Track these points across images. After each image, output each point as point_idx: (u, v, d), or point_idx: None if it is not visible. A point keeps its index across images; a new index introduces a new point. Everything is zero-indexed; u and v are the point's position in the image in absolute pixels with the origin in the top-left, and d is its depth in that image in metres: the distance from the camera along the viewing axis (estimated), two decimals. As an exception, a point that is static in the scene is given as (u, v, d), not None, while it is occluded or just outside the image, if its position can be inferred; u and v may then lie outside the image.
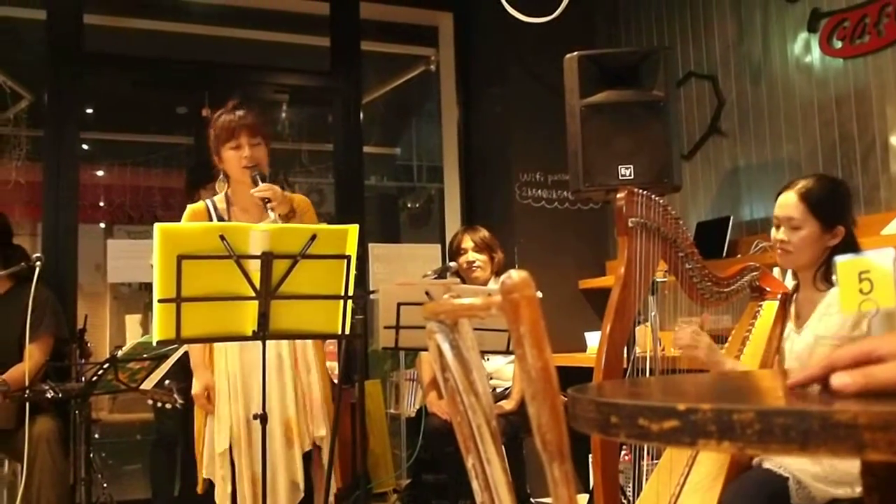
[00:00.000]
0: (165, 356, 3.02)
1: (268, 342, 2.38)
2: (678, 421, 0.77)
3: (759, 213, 3.98)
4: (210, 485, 2.82)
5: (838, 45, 3.58)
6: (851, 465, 2.14)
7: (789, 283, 2.67)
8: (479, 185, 5.25)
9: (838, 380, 0.77)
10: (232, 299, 2.28)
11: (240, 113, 2.94)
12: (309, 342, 2.91)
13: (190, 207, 3.00)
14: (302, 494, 2.82)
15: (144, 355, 2.95)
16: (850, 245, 2.38)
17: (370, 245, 4.93)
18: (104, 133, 6.90)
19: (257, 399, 2.73)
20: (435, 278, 3.71)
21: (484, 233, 4.04)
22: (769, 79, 3.95)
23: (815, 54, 3.70)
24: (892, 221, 3.09)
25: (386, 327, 3.08)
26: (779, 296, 2.62)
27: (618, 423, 0.85)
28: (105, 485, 3.99)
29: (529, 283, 0.87)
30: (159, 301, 2.19)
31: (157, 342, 2.26)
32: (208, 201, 3.00)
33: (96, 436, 4.81)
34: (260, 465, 2.66)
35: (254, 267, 2.26)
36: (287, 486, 2.77)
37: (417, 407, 4.42)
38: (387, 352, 4.87)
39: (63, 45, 4.66)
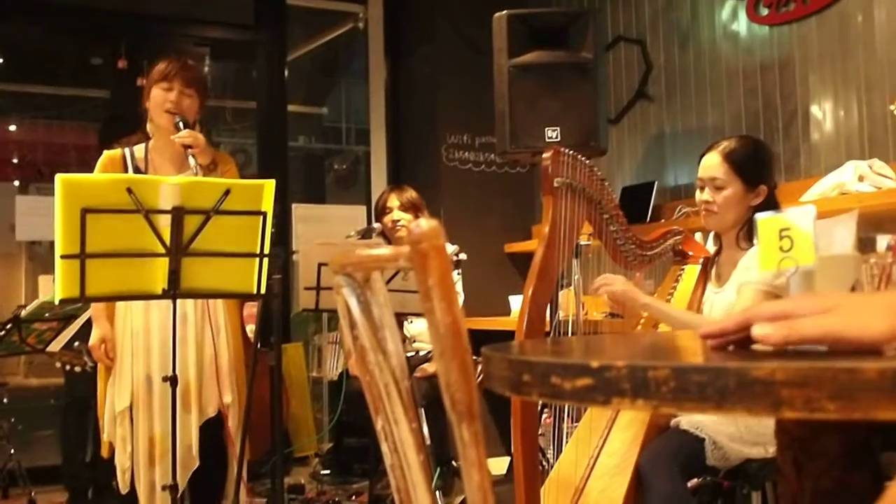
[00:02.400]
0: (74, 316, 2.89)
1: (175, 301, 2.28)
2: (591, 379, 0.74)
3: (684, 178, 4.01)
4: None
5: (765, 12, 3.60)
6: (765, 426, 2.17)
7: (711, 247, 2.69)
8: (406, 147, 5.17)
9: (759, 329, 0.75)
10: (140, 256, 2.18)
11: (184, 60, 2.88)
12: (220, 303, 2.81)
13: (106, 153, 2.87)
14: (197, 461, 2.73)
15: (47, 315, 2.81)
16: (772, 204, 2.39)
17: (294, 205, 4.82)
18: (14, 84, 6.58)
19: (159, 359, 2.64)
20: (358, 239, 3.64)
21: (411, 193, 3.97)
22: (696, 45, 3.96)
23: (742, 21, 3.72)
24: (810, 189, 3.13)
25: (306, 288, 3.01)
26: (700, 260, 2.64)
27: (530, 382, 0.82)
28: (13, 451, 3.84)
29: (439, 233, 0.82)
30: (62, 257, 2.07)
31: (60, 301, 2.14)
32: (126, 150, 2.88)
33: (4, 400, 4.63)
34: (158, 427, 2.58)
35: (164, 222, 2.16)
36: (182, 451, 2.66)
37: (340, 370, 4.36)
38: (310, 315, 4.79)
39: (-34, -11, 4.39)
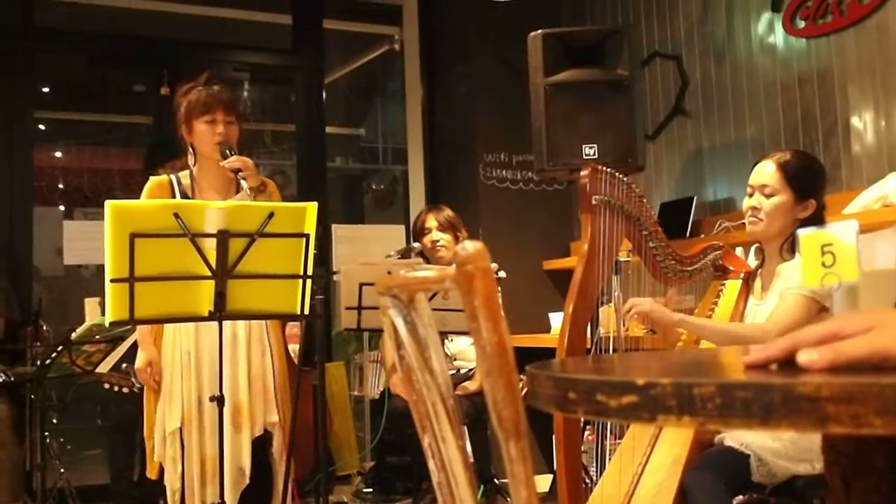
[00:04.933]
0: (122, 338, 2.95)
1: (224, 322, 2.32)
2: (637, 396, 0.75)
3: (723, 193, 3.99)
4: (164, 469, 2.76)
5: (801, 24, 3.58)
6: (811, 442, 2.15)
7: (752, 262, 2.67)
8: (444, 167, 5.21)
9: (805, 356, 0.75)
10: (187, 279, 2.22)
11: (217, 88, 2.91)
12: (266, 323, 2.85)
13: (153, 179, 2.92)
14: (247, 480, 2.76)
15: (97, 337, 2.87)
16: (819, 220, 2.38)
17: (334, 226, 4.88)
18: (60, 112, 6.74)
19: (210, 379, 2.68)
20: (398, 259, 3.67)
21: (448, 212, 4.00)
22: (733, 59, 3.94)
23: (779, 34, 3.70)
24: (852, 201, 3.10)
25: (348, 308, 3.04)
26: (742, 275, 2.62)
27: (576, 399, 0.82)
28: (62, 470, 3.91)
29: (484, 255, 0.84)
30: (112, 281, 2.13)
31: (111, 323, 2.20)
32: (172, 176, 2.92)
33: (54, 421, 4.71)
34: (209, 447, 2.61)
35: (210, 245, 2.21)
36: (232, 470, 2.71)
37: (381, 389, 4.39)
38: (351, 334, 4.83)
39: (13, 21, 4.52)
